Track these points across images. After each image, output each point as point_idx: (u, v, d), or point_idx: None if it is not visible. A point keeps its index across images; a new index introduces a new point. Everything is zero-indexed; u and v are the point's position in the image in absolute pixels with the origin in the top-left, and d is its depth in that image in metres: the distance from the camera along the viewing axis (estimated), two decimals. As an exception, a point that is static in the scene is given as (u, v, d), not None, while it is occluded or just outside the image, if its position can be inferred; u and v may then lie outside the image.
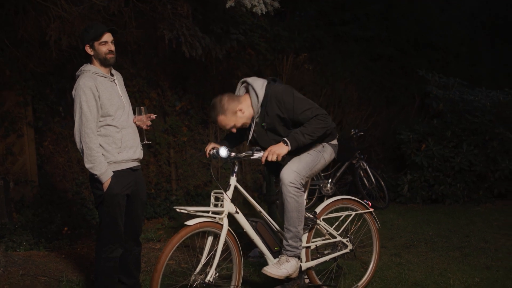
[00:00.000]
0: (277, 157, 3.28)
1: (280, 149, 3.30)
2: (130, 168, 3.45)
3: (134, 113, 3.59)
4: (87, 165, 3.27)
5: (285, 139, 3.32)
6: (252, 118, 3.50)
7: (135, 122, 3.53)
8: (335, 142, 3.65)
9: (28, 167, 6.35)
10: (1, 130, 6.20)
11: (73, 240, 5.35)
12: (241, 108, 3.44)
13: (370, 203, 3.95)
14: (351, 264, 4.37)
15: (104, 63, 3.38)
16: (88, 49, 3.36)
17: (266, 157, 3.29)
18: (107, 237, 3.40)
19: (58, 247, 5.09)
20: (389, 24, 10.41)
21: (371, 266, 4.01)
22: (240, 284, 3.45)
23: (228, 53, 7.17)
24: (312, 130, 3.34)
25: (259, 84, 3.47)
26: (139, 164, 3.57)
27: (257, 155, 3.36)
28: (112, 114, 3.35)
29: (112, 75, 3.49)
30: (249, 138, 3.59)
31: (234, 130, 3.54)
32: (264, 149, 3.38)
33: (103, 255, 3.39)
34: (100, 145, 3.30)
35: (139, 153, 3.51)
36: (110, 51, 3.37)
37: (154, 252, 5.07)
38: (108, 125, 3.35)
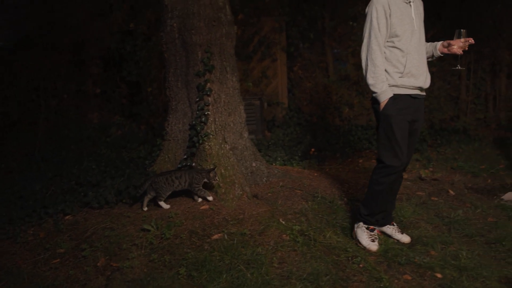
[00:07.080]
0: None
1: None
2: (409, 95, 3.32)
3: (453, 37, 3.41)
4: (369, 81, 3.27)
5: None
6: None
7: (451, 46, 3.39)
8: None
9: (279, 89, 6.81)
10: (258, 54, 6.71)
11: (320, 160, 5.61)
12: None
13: None
14: None
15: None
16: None
17: None
18: (382, 159, 3.36)
19: (309, 165, 5.41)
20: None
21: None
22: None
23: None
24: None
25: None
26: (422, 93, 3.40)
27: None
28: (400, 35, 3.25)
29: None
30: None
31: None
32: None
33: (375, 176, 3.41)
34: None
35: (422, 81, 3.34)
36: None
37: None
38: (394, 47, 3.28)
